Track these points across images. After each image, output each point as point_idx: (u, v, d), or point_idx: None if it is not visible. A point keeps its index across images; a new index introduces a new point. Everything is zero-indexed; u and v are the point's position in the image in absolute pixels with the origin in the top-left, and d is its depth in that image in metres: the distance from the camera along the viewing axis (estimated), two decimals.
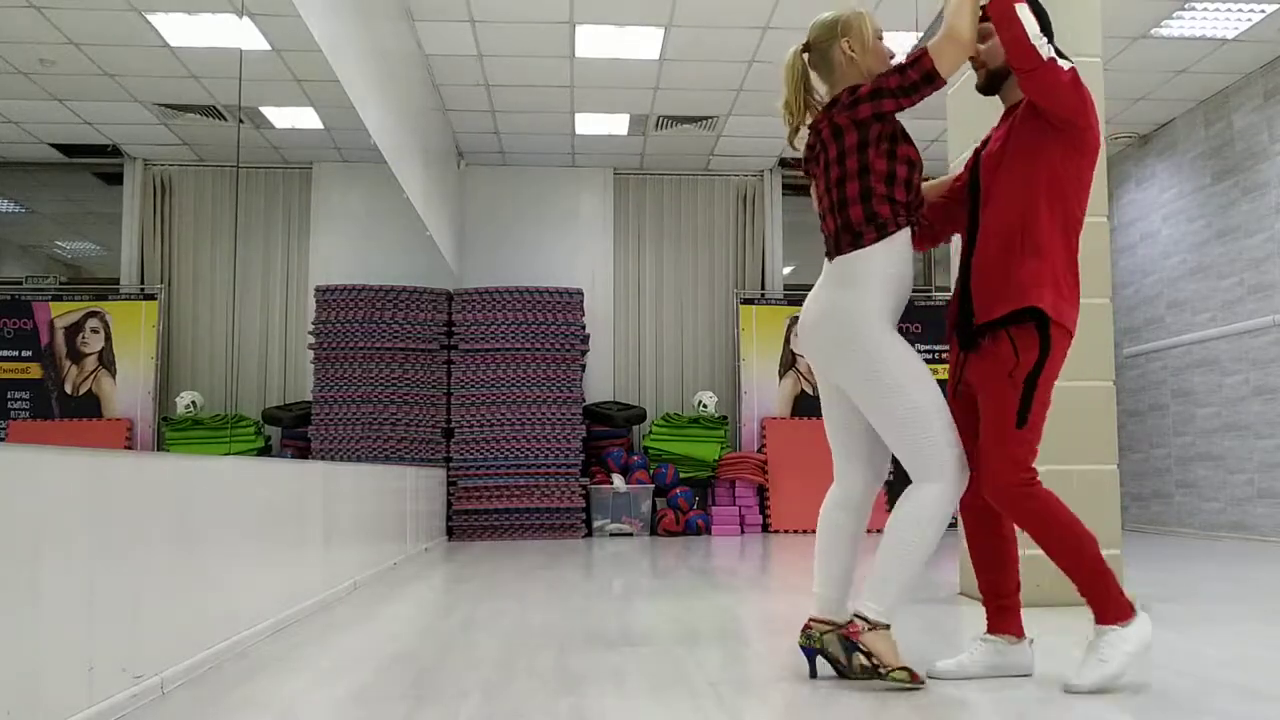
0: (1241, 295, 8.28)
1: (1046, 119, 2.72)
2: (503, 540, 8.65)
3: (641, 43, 7.50)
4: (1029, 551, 4.27)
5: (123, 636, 2.46)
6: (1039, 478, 2.75)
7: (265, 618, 3.57)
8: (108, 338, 8.34)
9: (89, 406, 8.14)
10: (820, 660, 2.84)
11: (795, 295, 10.28)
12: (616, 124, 9.21)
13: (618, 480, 9.23)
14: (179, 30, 6.16)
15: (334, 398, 8.54)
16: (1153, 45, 7.51)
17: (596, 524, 9.08)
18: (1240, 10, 6.99)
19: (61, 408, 8.09)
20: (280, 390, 9.25)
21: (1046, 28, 2.85)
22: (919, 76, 2.71)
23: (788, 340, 9.99)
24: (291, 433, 8.78)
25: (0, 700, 1.95)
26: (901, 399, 2.71)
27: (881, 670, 2.71)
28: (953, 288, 3.01)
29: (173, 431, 8.34)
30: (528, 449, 8.88)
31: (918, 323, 9.95)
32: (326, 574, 4.56)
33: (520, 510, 8.84)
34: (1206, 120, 8.74)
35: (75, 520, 2.26)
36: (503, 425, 8.90)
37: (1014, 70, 2.75)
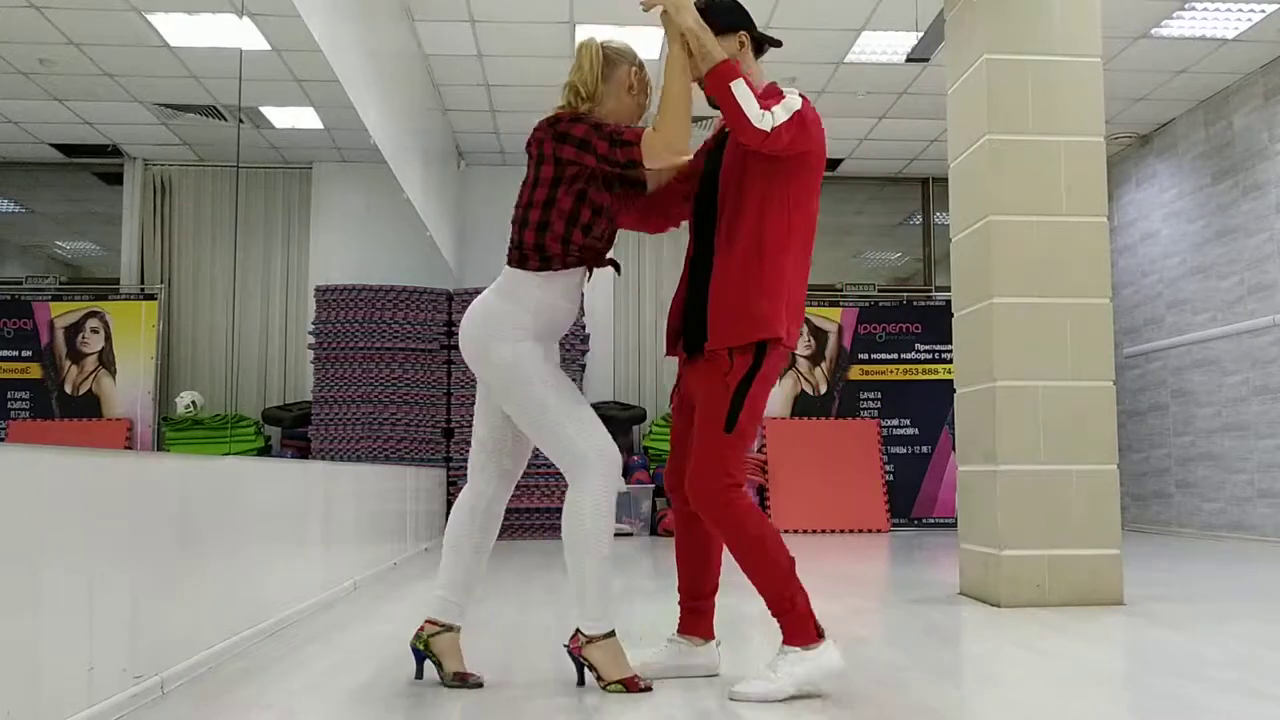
0: (1241, 295, 8.28)
1: None
2: (501, 540, 8.63)
3: (641, 43, 7.48)
4: (1025, 552, 4.29)
5: (123, 636, 2.46)
6: (744, 487, 2.79)
7: (265, 618, 3.57)
8: (108, 338, 8.34)
9: (89, 406, 8.15)
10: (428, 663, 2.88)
11: None
12: None
13: None
14: (179, 30, 6.16)
15: (334, 398, 8.54)
16: (1153, 45, 7.51)
17: None
18: (1240, 10, 6.99)
19: (61, 408, 8.09)
20: (280, 390, 9.25)
21: (749, 25, 2.88)
22: (624, 160, 2.71)
23: None
24: (291, 433, 8.78)
25: (0, 700, 1.95)
26: (535, 398, 2.77)
27: (601, 683, 2.70)
28: (676, 293, 3.11)
29: (173, 431, 8.34)
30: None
31: (918, 323, 9.96)
32: (326, 574, 4.56)
33: (519, 510, 8.83)
34: (1206, 120, 8.74)
35: (75, 520, 2.26)
36: None
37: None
